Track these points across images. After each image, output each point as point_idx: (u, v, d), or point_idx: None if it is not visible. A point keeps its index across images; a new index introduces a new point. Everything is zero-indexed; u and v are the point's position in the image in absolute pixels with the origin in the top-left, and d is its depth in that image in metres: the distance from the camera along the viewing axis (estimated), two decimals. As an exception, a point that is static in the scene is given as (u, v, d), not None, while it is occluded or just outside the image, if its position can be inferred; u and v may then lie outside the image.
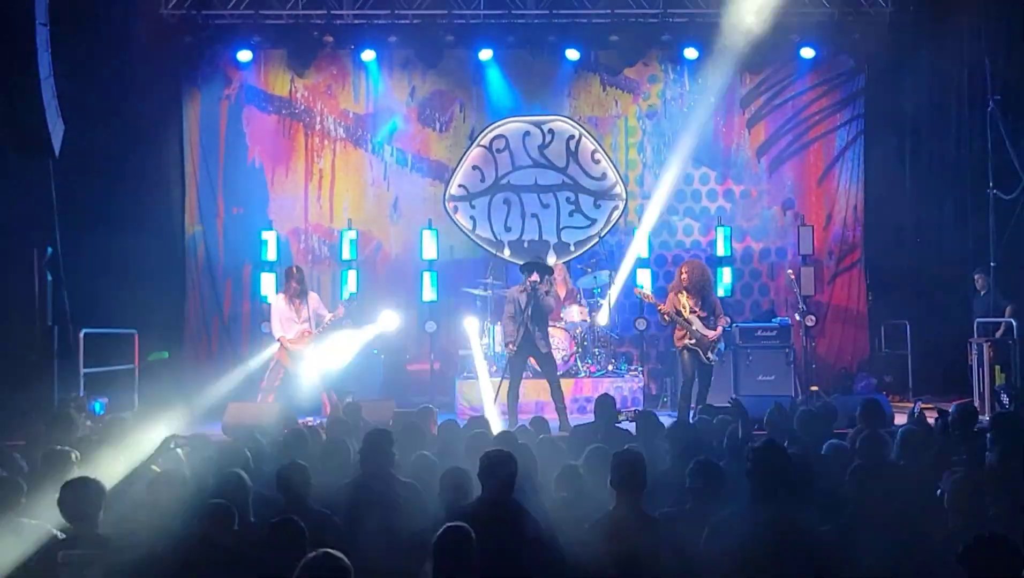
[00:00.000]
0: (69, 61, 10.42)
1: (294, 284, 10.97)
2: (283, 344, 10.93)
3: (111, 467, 5.95)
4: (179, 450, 6.41)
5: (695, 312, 10.32)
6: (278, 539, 4.47)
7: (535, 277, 10.38)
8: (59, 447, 6.04)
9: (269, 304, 12.11)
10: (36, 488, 5.45)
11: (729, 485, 5.36)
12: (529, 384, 11.11)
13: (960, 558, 4.02)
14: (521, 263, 11.19)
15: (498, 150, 14.42)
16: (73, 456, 5.86)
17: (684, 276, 10.38)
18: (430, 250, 13.69)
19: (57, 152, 10.01)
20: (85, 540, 4.79)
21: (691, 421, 9.57)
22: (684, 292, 10.36)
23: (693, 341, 10.30)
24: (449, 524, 4.29)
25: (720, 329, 10.43)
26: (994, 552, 4.00)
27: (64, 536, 4.90)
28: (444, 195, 14.35)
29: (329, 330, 11.01)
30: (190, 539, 4.68)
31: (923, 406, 8.48)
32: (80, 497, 4.97)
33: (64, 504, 4.97)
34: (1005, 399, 10.87)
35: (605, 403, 8.14)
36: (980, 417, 8.38)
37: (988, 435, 6.72)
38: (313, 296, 11.27)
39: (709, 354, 10.33)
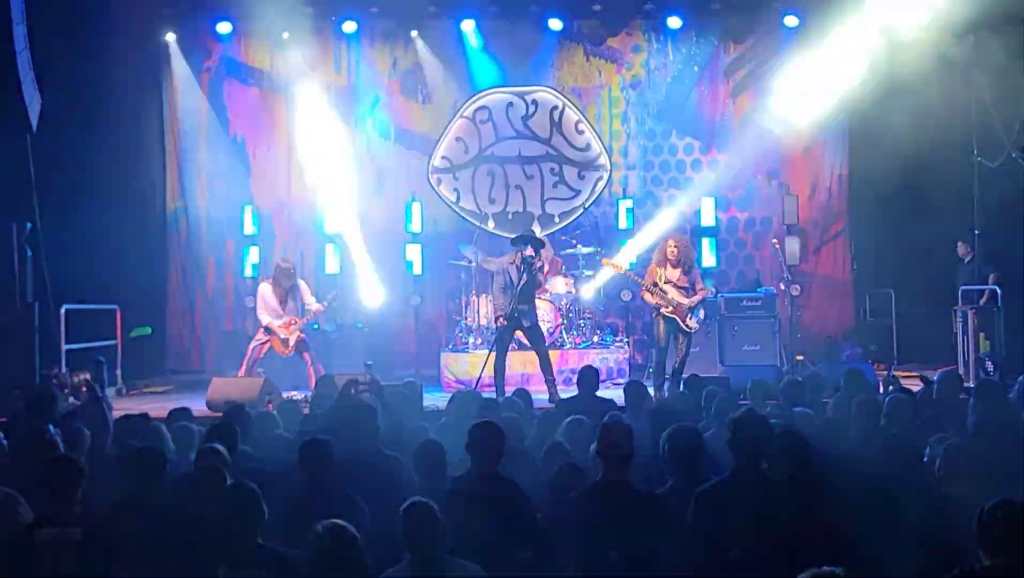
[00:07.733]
0: (46, 35, 10.28)
1: (283, 281, 10.99)
2: (271, 328, 10.94)
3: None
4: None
5: (671, 282, 10.31)
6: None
7: (529, 251, 10.28)
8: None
9: (253, 279, 12.09)
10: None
11: (713, 456, 5.36)
12: (514, 356, 11.08)
13: (981, 529, 3.84)
14: (512, 236, 11.06)
15: (481, 121, 14.31)
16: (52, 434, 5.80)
17: (672, 251, 10.34)
18: (414, 223, 13.60)
19: (34, 126, 9.91)
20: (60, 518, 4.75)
21: (666, 393, 9.69)
22: (667, 265, 10.34)
23: (670, 309, 10.31)
24: (415, 499, 4.24)
25: (699, 296, 10.41)
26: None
27: None
28: (427, 167, 14.26)
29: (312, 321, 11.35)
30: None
31: (902, 374, 8.50)
32: (60, 475, 4.92)
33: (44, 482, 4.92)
34: (990, 366, 10.90)
35: (588, 374, 8.10)
36: (964, 384, 8.41)
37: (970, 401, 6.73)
38: (303, 285, 11.29)
39: (688, 320, 10.33)
